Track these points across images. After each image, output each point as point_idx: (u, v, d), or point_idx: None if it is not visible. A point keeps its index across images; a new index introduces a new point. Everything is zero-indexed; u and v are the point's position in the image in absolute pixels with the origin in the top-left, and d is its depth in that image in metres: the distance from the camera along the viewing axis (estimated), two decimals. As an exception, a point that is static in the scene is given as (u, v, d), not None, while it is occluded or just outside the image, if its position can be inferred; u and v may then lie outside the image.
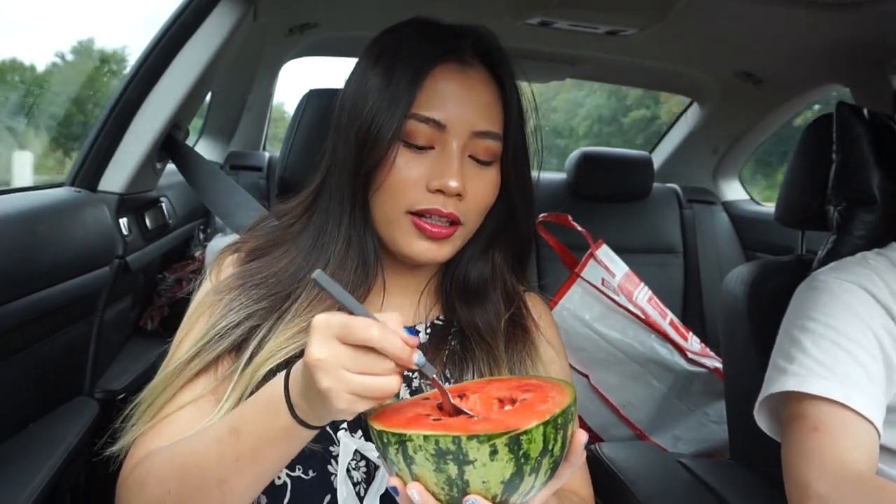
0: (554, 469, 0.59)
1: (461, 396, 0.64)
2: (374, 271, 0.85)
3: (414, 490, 0.57)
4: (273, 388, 0.66)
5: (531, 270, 1.01)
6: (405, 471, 0.58)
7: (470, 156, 0.81)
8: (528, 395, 0.61)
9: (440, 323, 0.90)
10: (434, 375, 0.63)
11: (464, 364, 0.84)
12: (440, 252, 0.82)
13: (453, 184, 0.78)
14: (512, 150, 0.84)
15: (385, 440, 0.58)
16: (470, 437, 0.54)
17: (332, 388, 0.58)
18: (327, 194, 0.86)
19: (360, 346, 0.58)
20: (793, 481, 0.89)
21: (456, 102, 0.80)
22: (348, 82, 0.87)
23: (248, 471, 0.68)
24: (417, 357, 0.60)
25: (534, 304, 0.96)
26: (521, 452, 0.54)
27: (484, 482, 0.55)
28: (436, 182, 0.78)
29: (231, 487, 0.68)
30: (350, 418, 0.67)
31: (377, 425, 0.59)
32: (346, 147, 0.82)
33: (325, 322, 0.59)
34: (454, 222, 0.81)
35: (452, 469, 0.55)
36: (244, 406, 0.70)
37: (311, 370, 0.58)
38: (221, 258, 0.89)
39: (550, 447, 0.56)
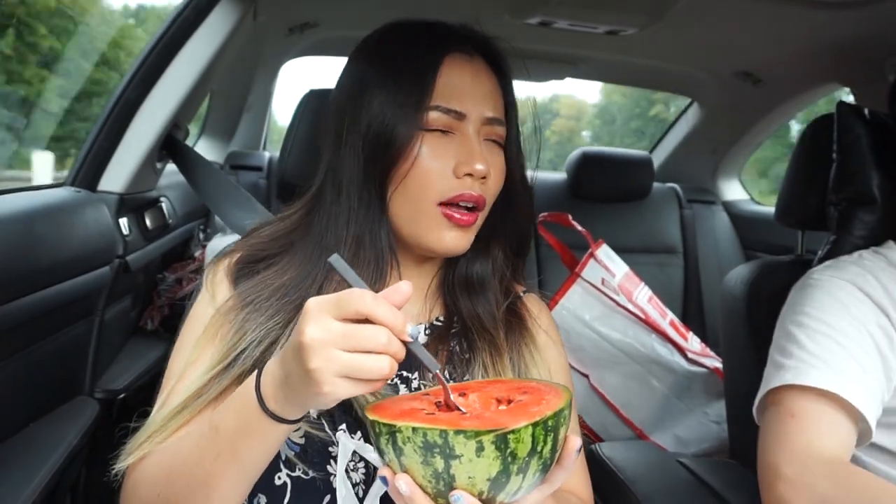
0: (544, 471, 0.59)
1: (462, 395, 0.65)
2: (388, 270, 0.84)
3: (402, 481, 0.58)
4: (248, 383, 0.67)
5: (531, 270, 1.02)
6: (395, 461, 0.59)
7: (485, 139, 0.84)
8: (525, 397, 0.62)
9: (440, 323, 0.90)
10: (438, 370, 0.63)
11: (470, 357, 0.84)
12: (465, 240, 0.84)
13: (481, 167, 0.80)
14: (513, 134, 0.88)
15: (377, 430, 0.59)
16: (457, 432, 0.54)
17: (319, 367, 0.57)
18: (329, 197, 0.85)
19: (352, 321, 0.58)
20: (763, 465, 0.90)
21: (469, 91, 0.82)
22: (342, 85, 0.87)
23: (228, 469, 0.68)
24: (411, 328, 0.59)
25: (531, 302, 0.97)
26: (507, 451, 0.55)
27: (470, 477, 0.56)
28: (464, 167, 0.80)
29: (214, 487, 0.68)
30: (330, 406, 0.64)
31: (371, 415, 0.60)
32: (352, 149, 0.82)
33: (318, 302, 0.59)
34: (475, 208, 0.82)
35: (439, 463, 0.56)
36: (223, 404, 0.70)
37: (301, 351, 0.58)
38: (215, 268, 0.87)
39: (539, 448, 0.56)
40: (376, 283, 0.82)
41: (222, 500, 0.70)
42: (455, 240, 0.82)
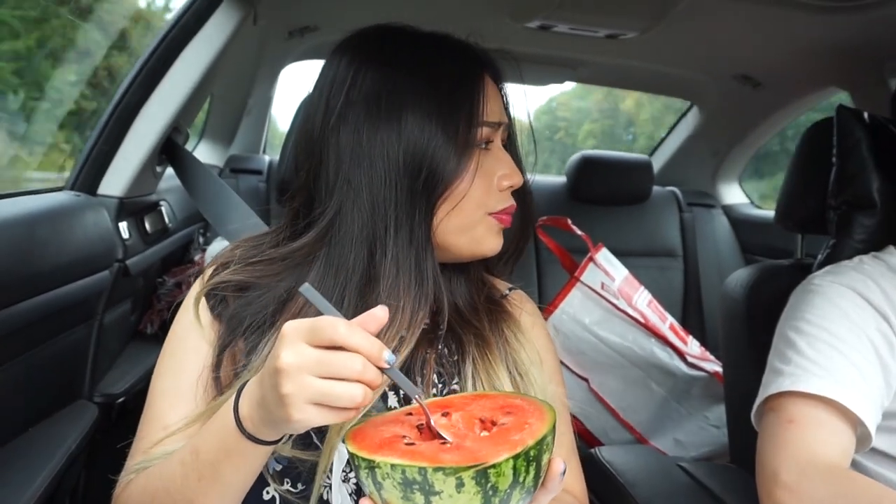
0: (527, 497, 0.58)
1: (445, 414, 0.63)
2: (433, 289, 0.79)
3: None
4: (227, 405, 0.66)
5: (530, 274, 1.01)
6: (375, 494, 0.58)
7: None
8: (509, 420, 0.60)
9: (425, 326, 0.86)
10: (418, 395, 0.61)
11: (459, 357, 0.83)
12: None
13: (520, 180, 0.83)
14: (513, 132, 0.89)
15: (357, 463, 0.58)
16: (436, 469, 0.53)
17: (291, 393, 0.56)
18: (354, 224, 0.78)
19: (328, 348, 0.56)
20: (762, 471, 0.90)
21: (495, 101, 0.83)
22: (356, 92, 0.78)
23: (210, 491, 0.67)
24: (388, 355, 0.57)
25: (514, 295, 0.95)
26: (488, 485, 0.54)
27: None
28: (505, 181, 0.82)
29: None
30: (302, 431, 0.63)
31: (350, 447, 0.58)
32: (384, 170, 0.76)
33: (294, 326, 0.58)
34: None
35: (419, 498, 0.55)
36: (205, 426, 0.69)
37: (276, 376, 0.57)
38: (201, 285, 0.83)
39: (521, 479, 0.55)
40: (424, 306, 0.78)
41: None
42: (499, 242, 0.85)
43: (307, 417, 0.57)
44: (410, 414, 0.65)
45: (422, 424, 0.62)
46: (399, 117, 0.76)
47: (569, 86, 2.63)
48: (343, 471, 0.75)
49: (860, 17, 1.41)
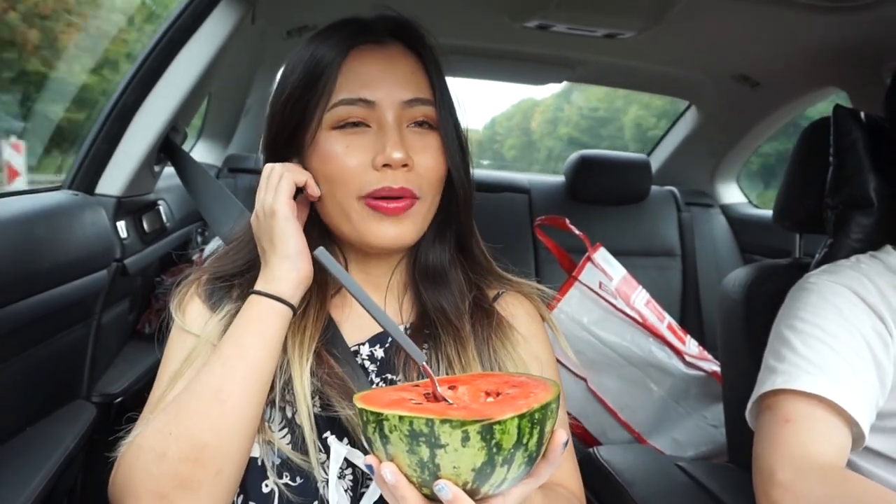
0: (529, 464, 0.59)
1: (452, 388, 0.65)
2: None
3: (387, 469, 0.58)
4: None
5: (529, 273, 1.00)
6: (381, 450, 0.59)
7: (409, 124, 0.82)
8: (514, 391, 0.62)
9: (413, 326, 0.89)
10: (423, 363, 0.64)
11: (436, 353, 0.83)
12: (404, 233, 0.81)
13: (397, 155, 0.78)
14: (445, 112, 0.84)
15: (365, 418, 0.59)
16: (443, 421, 0.55)
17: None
18: None
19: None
20: (758, 470, 0.90)
21: (379, 78, 0.81)
22: (276, 89, 0.86)
23: (236, 371, 0.72)
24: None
25: (510, 297, 0.94)
26: (493, 442, 0.55)
27: (455, 467, 0.56)
28: (380, 157, 0.78)
29: (228, 394, 0.71)
30: (304, 270, 0.77)
31: (359, 403, 0.60)
32: (279, 153, 0.84)
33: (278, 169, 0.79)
34: (408, 196, 0.80)
35: (424, 451, 0.56)
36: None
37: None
38: (182, 294, 0.86)
39: (525, 441, 0.56)
40: (331, 289, 0.86)
41: (237, 410, 0.72)
42: (391, 230, 0.80)
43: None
44: (417, 386, 0.67)
45: (429, 394, 0.64)
46: (283, 103, 0.83)
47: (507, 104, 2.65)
48: (339, 467, 0.76)
49: (858, 17, 1.41)
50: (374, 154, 0.79)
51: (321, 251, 0.63)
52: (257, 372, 0.74)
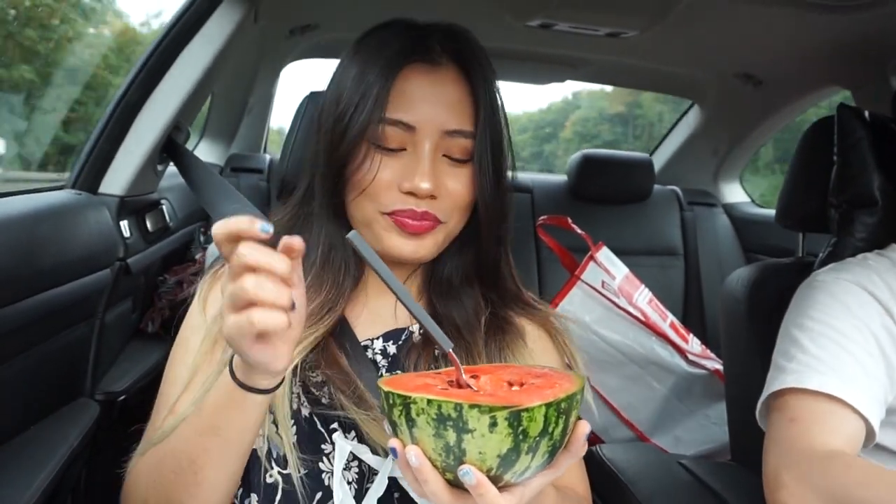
0: (552, 454, 0.59)
1: (474, 377, 0.65)
2: (358, 273, 0.86)
3: (412, 453, 0.58)
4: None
5: (531, 273, 1.00)
6: (406, 433, 0.59)
7: (444, 154, 0.81)
8: (538, 381, 0.62)
9: (423, 333, 0.88)
10: (450, 350, 0.64)
11: (444, 362, 0.83)
12: (421, 250, 0.81)
13: (424, 185, 0.78)
14: (483, 147, 0.82)
15: (391, 402, 0.59)
16: (472, 406, 0.55)
17: (230, 336, 0.58)
18: (311, 197, 0.87)
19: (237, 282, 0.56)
20: (766, 471, 0.90)
21: (425, 103, 0.80)
22: (328, 84, 0.87)
23: (210, 445, 0.69)
24: (261, 225, 0.56)
25: (532, 320, 0.93)
26: (520, 429, 0.55)
27: (480, 453, 0.56)
28: (407, 184, 0.79)
29: (200, 466, 0.69)
30: (278, 372, 0.64)
31: (385, 387, 0.60)
32: (321, 156, 0.83)
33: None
34: (431, 219, 0.80)
35: (451, 436, 0.56)
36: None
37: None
38: (213, 279, 0.87)
39: (550, 430, 0.57)
40: (348, 287, 0.84)
41: (209, 483, 0.70)
42: (408, 248, 0.81)
43: (258, 355, 0.60)
44: (439, 373, 0.67)
45: (452, 381, 0.64)
46: (333, 109, 0.82)
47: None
48: (345, 460, 0.77)
49: (862, 15, 1.41)
50: (403, 177, 0.79)
51: (354, 234, 0.62)
52: (233, 449, 0.70)
